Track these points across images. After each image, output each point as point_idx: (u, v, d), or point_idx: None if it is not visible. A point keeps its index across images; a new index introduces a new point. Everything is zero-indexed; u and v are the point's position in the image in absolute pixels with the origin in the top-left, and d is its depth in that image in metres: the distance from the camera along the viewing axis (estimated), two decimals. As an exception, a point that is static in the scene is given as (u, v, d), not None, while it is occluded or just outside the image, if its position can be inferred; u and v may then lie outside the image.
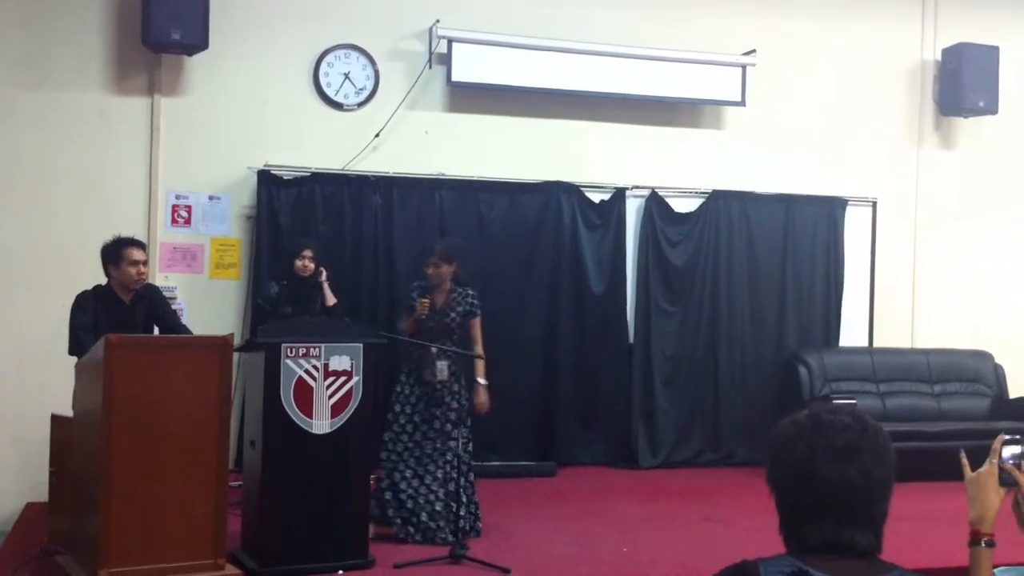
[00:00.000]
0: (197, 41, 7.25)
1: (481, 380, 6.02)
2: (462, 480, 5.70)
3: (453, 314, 5.98)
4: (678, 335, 8.42)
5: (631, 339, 8.32)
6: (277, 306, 6.57)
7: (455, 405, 5.82)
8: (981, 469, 2.37)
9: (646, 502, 7.02)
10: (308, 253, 6.72)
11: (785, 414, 1.99)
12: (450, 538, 5.49)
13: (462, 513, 5.64)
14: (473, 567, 5.16)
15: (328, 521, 5.06)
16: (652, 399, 8.30)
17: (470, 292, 6.11)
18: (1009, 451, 2.39)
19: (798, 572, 1.82)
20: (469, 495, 5.82)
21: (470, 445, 5.92)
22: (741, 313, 8.54)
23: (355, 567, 5.08)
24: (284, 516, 5.06)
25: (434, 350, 5.79)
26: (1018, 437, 2.42)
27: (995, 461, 2.37)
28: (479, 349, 6.07)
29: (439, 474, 5.73)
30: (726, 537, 5.96)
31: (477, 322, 6.10)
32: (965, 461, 2.43)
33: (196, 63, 7.52)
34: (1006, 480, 2.36)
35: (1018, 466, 2.38)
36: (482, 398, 6.02)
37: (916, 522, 5.86)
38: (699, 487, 7.57)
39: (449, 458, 5.71)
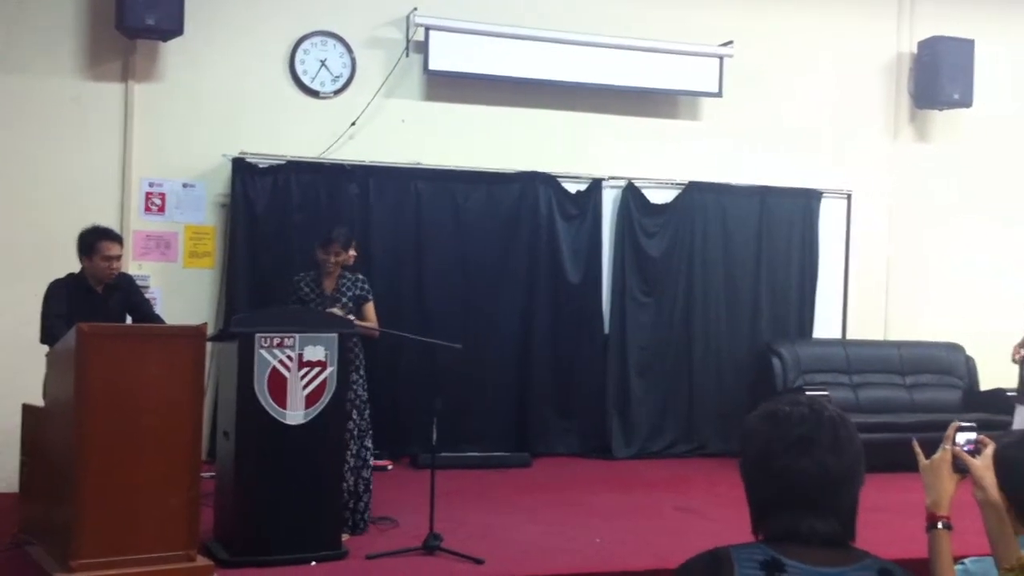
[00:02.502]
0: (172, 27, 7.19)
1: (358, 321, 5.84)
2: (349, 475, 5.59)
3: (344, 299, 5.89)
4: (653, 326, 8.44)
5: (606, 330, 8.34)
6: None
7: (350, 395, 5.64)
8: (935, 456, 2.42)
9: (620, 493, 7.05)
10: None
11: (759, 405, 2.04)
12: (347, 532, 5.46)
13: (351, 507, 5.58)
14: (447, 558, 5.16)
15: (301, 512, 5.04)
16: (627, 390, 8.32)
17: (360, 277, 6.03)
18: (962, 437, 2.43)
19: (770, 560, 1.85)
20: (360, 489, 5.68)
21: (367, 439, 5.79)
22: (716, 304, 8.57)
23: (328, 558, 5.07)
24: (257, 507, 5.04)
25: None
26: (971, 424, 2.46)
27: (948, 447, 2.42)
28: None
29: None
30: (699, 527, 5.99)
31: (371, 307, 6.00)
32: (918, 449, 2.49)
33: (171, 49, 7.45)
34: (960, 466, 2.40)
35: (971, 453, 2.42)
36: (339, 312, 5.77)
37: (889, 512, 5.90)
38: (673, 477, 7.61)
39: (352, 448, 5.65)
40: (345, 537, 5.39)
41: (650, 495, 7.02)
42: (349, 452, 5.62)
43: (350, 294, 5.93)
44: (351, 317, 5.73)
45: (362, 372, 5.82)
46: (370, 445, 5.84)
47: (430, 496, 5.31)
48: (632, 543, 5.64)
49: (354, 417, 5.69)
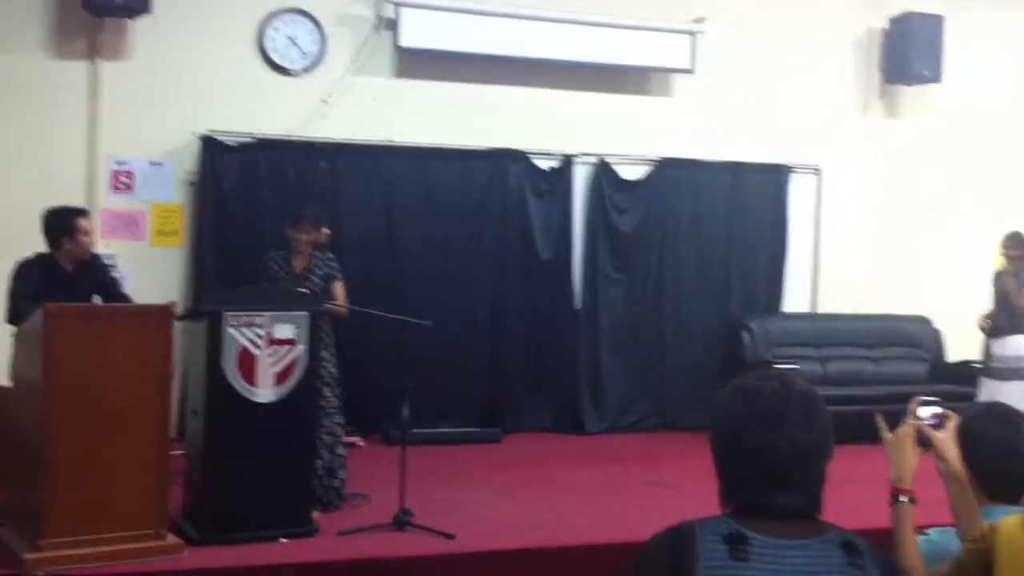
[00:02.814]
0: (139, 4, 7.13)
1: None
2: (324, 452, 5.60)
3: (314, 277, 5.89)
4: (625, 302, 8.47)
5: (578, 305, 8.36)
6: None
7: (320, 372, 5.63)
8: (898, 430, 2.45)
9: (592, 467, 7.08)
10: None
11: (729, 379, 2.05)
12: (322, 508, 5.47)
13: (326, 484, 5.58)
14: (418, 533, 5.17)
15: (271, 490, 5.04)
16: (599, 365, 8.36)
17: (330, 256, 6.03)
18: (925, 412, 2.47)
19: (734, 533, 1.87)
20: (335, 465, 5.69)
21: (338, 416, 5.80)
22: (687, 280, 8.61)
23: (298, 535, 5.07)
24: (227, 485, 5.03)
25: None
26: (934, 399, 2.49)
27: (912, 422, 2.45)
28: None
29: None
30: (671, 501, 6.02)
31: (340, 286, 6.01)
32: (882, 424, 2.52)
33: (138, 27, 7.38)
34: (923, 440, 2.44)
35: (934, 427, 2.46)
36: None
37: (857, 484, 5.93)
38: (645, 452, 7.66)
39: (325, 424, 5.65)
40: (317, 514, 5.40)
41: (622, 470, 7.06)
42: (322, 429, 5.62)
43: (320, 273, 5.91)
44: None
45: (332, 350, 5.82)
46: (342, 421, 5.84)
47: (400, 472, 5.32)
48: (604, 517, 5.68)
49: (325, 394, 5.69)
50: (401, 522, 5.24)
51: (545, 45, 8.15)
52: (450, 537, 5.12)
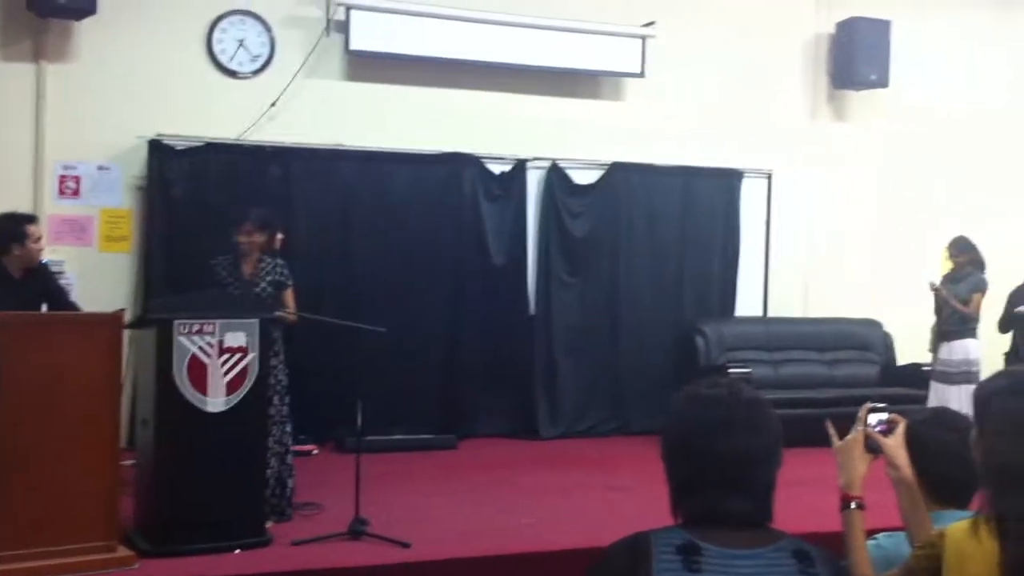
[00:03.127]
0: (85, 5, 7.03)
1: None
2: (273, 462, 5.55)
3: (263, 284, 5.77)
4: (579, 306, 8.49)
5: (532, 310, 8.36)
6: None
7: (271, 380, 5.58)
8: (848, 437, 2.47)
9: (547, 473, 7.08)
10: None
11: (683, 383, 2.09)
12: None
13: (277, 493, 5.53)
14: (373, 542, 5.14)
15: (223, 500, 4.98)
16: (553, 370, 8.36)
17: (279, 262, 5.90)
18: (874, 419, 2.49)
19: (687, 544, 1.87)
20: (284, 475, 5.63)
21: (288, 425, 5.73)
22: (640, 284, 8.64)
23: (252, 546, 5.01)
24: (178, 495, 4.97)
25: None
26: (883, 405, 2.51)
27: (861, 428, 2.47)
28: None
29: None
30: (627, 506, 6.02)
31: (290, 293, 5.89)
32: (832, 431, 2.53)
33: (84, 28, 7.27)
34: (872, 447, 2.46)
35: (883, 433, 2.47)
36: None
37: (810, 486, 5.99)
38: (600, 456, 7.67)
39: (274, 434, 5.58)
40: (271, 524, 5.34)
41: (577, 474, 7.06)
42: (272, 438, 5.56)
43: (269, 279, 5.81)
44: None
45: (281, 357, 5.74)
46: (290, 431, 5.78)
47: (355, 480, 5.29)
48: (560, 523, 5.67)
49: (275, 403, 5.63)
50: (356, 531, 5.20)
51: (497, 49, 8.15)
52: (406, 546, 5.09)
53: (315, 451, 7.34)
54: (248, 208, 6.02)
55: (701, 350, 8.44)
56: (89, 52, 7.35)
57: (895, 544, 2.54)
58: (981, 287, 7.65)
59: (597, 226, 8.54)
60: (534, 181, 8.39)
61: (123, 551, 4.73)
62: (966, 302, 7.56)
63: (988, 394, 2.11)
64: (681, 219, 8.76)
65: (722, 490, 1.91)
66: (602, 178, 8.57)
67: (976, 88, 9.66)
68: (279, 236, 5.95)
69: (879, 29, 9.07)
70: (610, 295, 8.57)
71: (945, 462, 2.53)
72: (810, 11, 9.30)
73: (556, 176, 8.42)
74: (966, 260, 7.73)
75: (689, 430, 1.96)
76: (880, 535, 2.60)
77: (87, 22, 7.19)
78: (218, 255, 5.90)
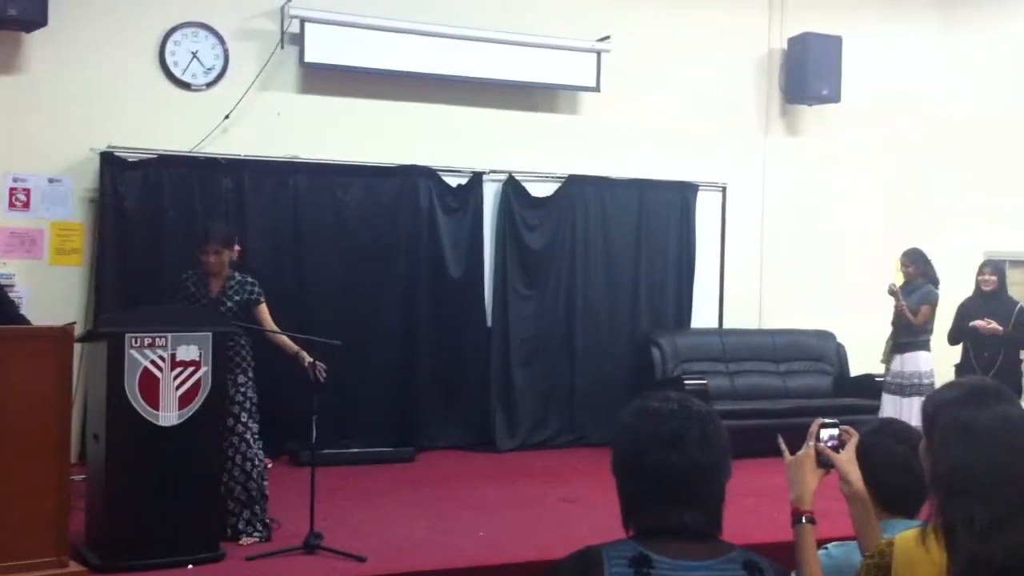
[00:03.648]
0: (35, 16, 6.94)
1: (305, 356, 5.63)
2: (242, 478, 5.46)
3: (230, 303, 5.64)
4: (535, 318, 8.51)
5: (489, 323, 8.36)
6: None
7: (239, 399, 5.52)
8: (799, 452, 2.48)
9: (504, 485, 7.08)
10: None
11: (639, 395, 2.10)
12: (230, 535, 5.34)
13: (246, 515, 5.43)
14: (328, 557, 5.10)
15: (176, 515, 4.92)
16: (510, 382, 8.37)
17: (249, 279, 5.76)
18: (826, 434, 2.51)
19: (639, 556, 1.88)
20: (255, 495, 5.50)
21: (258, 444, 5.61)
22: (597, 296, 8.67)
23: (205, 561, 4.96)
24: (130, 510, 4.90)
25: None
26: (833, 421, 2.53)
27: (812, 444, 2.48)
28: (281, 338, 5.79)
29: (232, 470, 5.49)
30: (582, 517, 6.04)
31: (263, 308, 5.76)
32: (784, 446, 2.55)
33: (35, 40, 7.19)
34: (823, 462, 2.47)
35: (834, 448, 2.49)
36: (315, 367, 5.57)
37: (764, 496, 6.04)
38: (556, 468, 7.67)
39: (231, 454, 5.47)
40: (252, 541, 5.30)
41: (533, 486, 7.06)
42: (243, 457, 5.47)
43: (237, 298, 5.67)
44: None
45: (250, 375, 5.63)
46: (260, 450, 5.63)
47: (310, 494, 5.25)
48: (516, 535, 5.67)
49: (243, 419, 5.53)
50: (311, 545, 5.16)
51: (453, 62, 8.16)
52: (361, 560, 5.06)
53: (270, 465, 7.25)
54: (207, 225, 5.94)
55: (657, 362, 8.48)
56: (40, 64, 7.26)
57: (845, 553, 2.56)
58: (930, 299, 7.75)
59: (553, 238, 8.57)
60: (491, 193, 8.41)
61: (74, 567, 4.66)
62: (915, 313, 7.66)
63: (937, 405, 2.13)
64: (637, 231, 8.81)
65: (674, 504, 1.93)
66: (558, 190, 8.60)
67: (926, 102, 9.83)
68: (236, 247, 5.89)
69: (831, 45, 9.20)
70: (567, 307, 8.60)
71: (892, 472, 2.56)
72: (763, 27, 9.42)
73: (512, 188, 8.44)
74: (917, 272, 7.83)
75: (641, 445, 1.97)
76: (830, 545, 2.63)
77: (37, 33, 7.11)
78: (188, 269, 5.79)
